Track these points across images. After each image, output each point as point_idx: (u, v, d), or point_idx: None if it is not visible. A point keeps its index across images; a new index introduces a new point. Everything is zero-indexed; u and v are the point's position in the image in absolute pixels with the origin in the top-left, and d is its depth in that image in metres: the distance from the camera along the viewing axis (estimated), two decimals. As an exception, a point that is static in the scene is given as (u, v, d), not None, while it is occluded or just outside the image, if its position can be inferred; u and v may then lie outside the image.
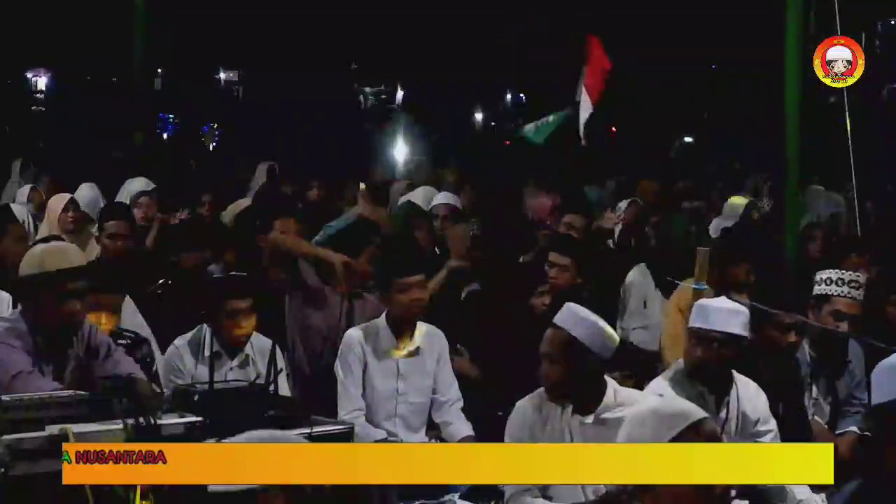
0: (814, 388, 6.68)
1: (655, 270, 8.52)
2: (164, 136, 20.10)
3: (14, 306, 6.30)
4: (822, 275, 6.76)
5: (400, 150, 16.44)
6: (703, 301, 5.78)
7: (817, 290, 6.67)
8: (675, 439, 3.36)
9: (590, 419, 5.05)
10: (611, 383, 5.14)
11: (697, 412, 3.44)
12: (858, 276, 6.76)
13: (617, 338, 5.17)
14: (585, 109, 9.90)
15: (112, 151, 15.37)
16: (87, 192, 10.19)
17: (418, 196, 10.53)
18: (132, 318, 6.87)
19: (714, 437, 3.45)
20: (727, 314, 5.55)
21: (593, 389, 5.07)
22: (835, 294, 6.60)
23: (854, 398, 6.76)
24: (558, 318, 5.09)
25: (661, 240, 9.22)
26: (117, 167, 12.67)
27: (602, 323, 5.09)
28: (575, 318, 5.06)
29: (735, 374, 5.67)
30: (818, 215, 11.39)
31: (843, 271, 6.83)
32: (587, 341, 5.01)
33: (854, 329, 6.63)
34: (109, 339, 5.62)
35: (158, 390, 5.67)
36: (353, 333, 6.47)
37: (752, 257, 7.61)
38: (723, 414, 5.53)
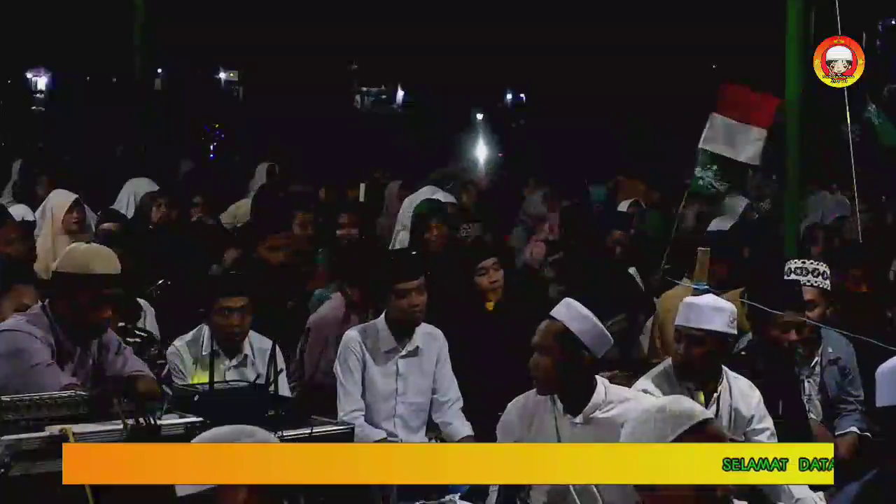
0: (806, 384, 6.71)
1: (644, 272, 8.52)
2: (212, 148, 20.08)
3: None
4: (789, 265, 6.93)
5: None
6: (688, 298, 5.82)
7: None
8: (679, 439, 3.36)
9: (579, 419, 5.05)
10: (602, 382, 5.14)
11: (702, 412, 3.45)
12: (822, 265, 6.86)
13: (611, 338, 5.17)
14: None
15: (113, 149, 15.38)
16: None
17: (418, 196, 10.54)
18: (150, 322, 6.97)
19: (719, 438, 3.45)
20: (711, 311, 5.57)
21: (584, 386, 5.07)
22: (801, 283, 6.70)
23: (849, 396, 6.78)
24: (555, 312, 5.11)
25: (654, 239, 9.24)
26: (118, 167, 12.70)
27: (599, 322, 5.11)
28: (572, 311, 5.08)
29: (726, 370, 5.68)
30: (823, 217, 11.38)
31: (807, 260, 7.00)
32: (582, 336, 5.02)
33: (824, 318, 6.72)
34: (118, 337, 5.65)
35: (167, 390, 5.67)
36: (352, 333, 6.47)
37: (736, 256, 7.71)
38: (712, 410, 5.53)
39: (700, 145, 8.93)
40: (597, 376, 5.15)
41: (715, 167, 8.87)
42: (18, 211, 9.17)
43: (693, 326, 5.57)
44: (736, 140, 8.81)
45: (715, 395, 5.61)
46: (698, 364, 5.59)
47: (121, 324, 6.34)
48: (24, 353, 5.15)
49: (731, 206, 11.23)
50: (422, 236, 8.57)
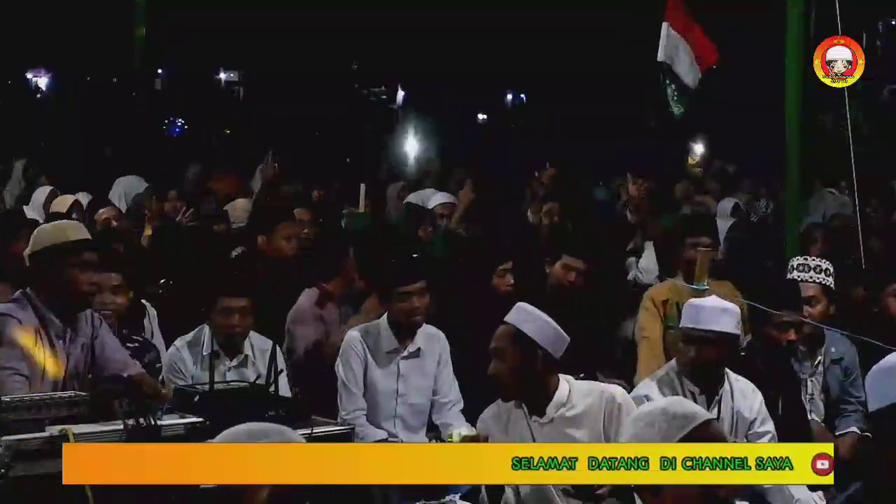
0: (809, 383, 6.71)
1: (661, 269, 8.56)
2: (170, 138, 19.99)
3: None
4: (791, 262, 6.96)
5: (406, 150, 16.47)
6: (694, 300, 5.76)
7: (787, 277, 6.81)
8: (682, 440, 3.37)
9: (544, 419, 5.07)
10: (566, 379, 5.15)
11: (704, 413, 3.46)
12: (825, 262, 6.88)
13: (567, 338, 5.16)
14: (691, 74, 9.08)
15: (105, 149, 15.40)
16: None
17: (417, 196, 10.57)
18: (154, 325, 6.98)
19: (719, 439, 3.46)
20: (718, 313, 5.54)
21: (544, 387, 5.09)
22: (799, 280, 6.71)
23: (851, 396, 6.79)
24: (509, 317, 5.14)
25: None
26: (111, 165, 12.72)
27: (553, 322, 5.11)
28: (524, 314, 5.11)
29: (729, 373, 5.66)
30: (824, 216, 11.40)
31: (809, 257, 7.02)
32: (536, 337, 5.03)
33: (826, 315, 6.72)
34: (107, 325, 5.72)
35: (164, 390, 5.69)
36: (354, 333, 6.48)
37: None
38: (714, 413, 5.52)
39: (658, 58, 8.86)
40: (562, 376, 5.16)
41: (672, 86, 8.85)
42: (35, 215, 9.19)
43: (702, 328, 5.53)
44: (681, 59, 8.83)
45: (717, 398, 5.59)
46: (707, 366, 5.55)
47: (124, 331, 6.37)
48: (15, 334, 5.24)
49: (722, 208, 11.34)
50: (414, 235, 8.71)
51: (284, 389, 5.98)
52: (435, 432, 6.54)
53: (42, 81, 27.46)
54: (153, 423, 4.54)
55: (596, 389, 5.18)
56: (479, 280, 7.29)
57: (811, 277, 6.77)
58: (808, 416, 6.49)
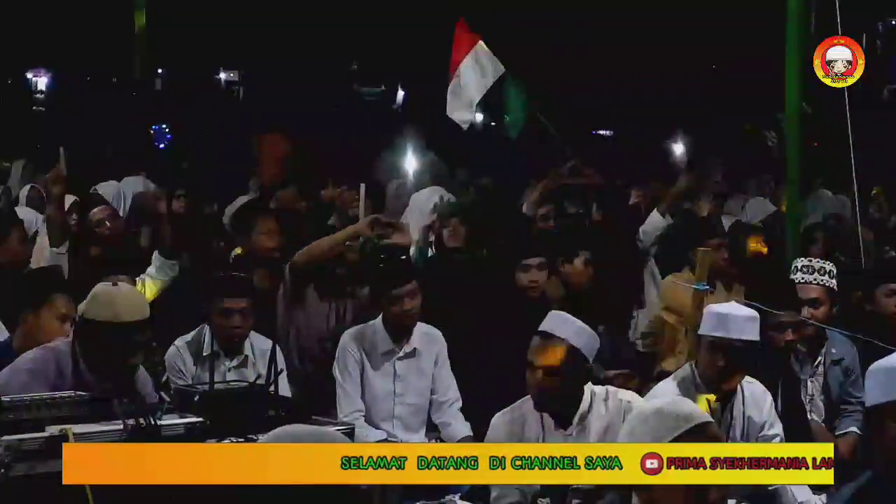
0: (809, 384, 6.71)
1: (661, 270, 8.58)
2: (161, 146, 19.93)
3: None
4: (795, 264, 6.94)
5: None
6: (716, 308, 5.61)
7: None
8: (676, 440, 3.36)
9: (570, 430, 5.03)
10: (587, 387, 5.11)
11: (702, 415, 3.45)
12: (828, 264, 6.86)
13: (598, 340, 5.13)
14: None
15: (106, 150, 15.39)
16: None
17: (423, 196, 10.57)
18: None
19: (717, 441, 3.45)
20: (746, 321, 5.45)
21: (577, 399, 5.06)
22: (803, 281, 6.69)
23: (852, 397, 6.78)
24: (553, 328, 5.04)
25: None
26: (111, 166, 12.72)
27: (589, 328, 5.07)
28: (572, 327, 5.02)
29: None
30: (823, 216, 11.41)
31: (812, 259, 7.01)
32: (584, 349, 4.99)
33: (829, 317, 6.72)
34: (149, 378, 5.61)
35: (165, 397, 5.67)
36: (350, 335, 6.48)
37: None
38: (727, 419, 5.50)
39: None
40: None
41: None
42: (27, 215, 9.19)
43: (733, 338, 5.42)
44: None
45: (729, 404, 5.54)
46: (735, 375, 5.51)
47: None
48: (25, 386, 4.99)
49: (758, 206, 11.37)
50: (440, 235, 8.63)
51: (284, 389, 5.99)
52: (435, 432, 6.54)
53: (42, 81, 27.44)
54: (153, 423, 4.53)
55: (612, 396, 5.14)
56: (501, 275, 7.21)
57: (815, 279, 6.76)
58: (808, 416, 6.49)
